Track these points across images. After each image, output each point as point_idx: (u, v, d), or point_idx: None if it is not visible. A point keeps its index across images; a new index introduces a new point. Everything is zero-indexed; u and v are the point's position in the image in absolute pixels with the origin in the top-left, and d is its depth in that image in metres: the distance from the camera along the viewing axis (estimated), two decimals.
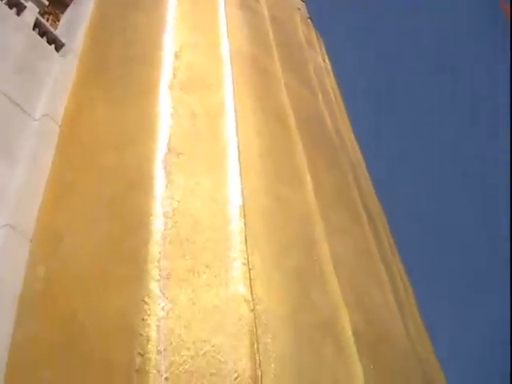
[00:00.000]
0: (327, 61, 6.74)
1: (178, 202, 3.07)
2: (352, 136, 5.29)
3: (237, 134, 3.46)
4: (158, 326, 2.66)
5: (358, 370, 2.89)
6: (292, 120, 4.20)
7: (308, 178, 3.76)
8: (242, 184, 3.25)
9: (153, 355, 2.58)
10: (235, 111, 3.59)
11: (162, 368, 2.56)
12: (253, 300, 2.78)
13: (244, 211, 3.09)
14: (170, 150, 3.29)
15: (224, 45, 4.33)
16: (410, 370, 3.35)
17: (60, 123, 3.75)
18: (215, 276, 2.84)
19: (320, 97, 5.25)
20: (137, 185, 3.20)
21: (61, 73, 4.10)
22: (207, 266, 2.86)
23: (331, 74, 6.51)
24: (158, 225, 2.96)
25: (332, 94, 5.88)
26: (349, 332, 3.00)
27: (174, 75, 3.81)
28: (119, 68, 4.06)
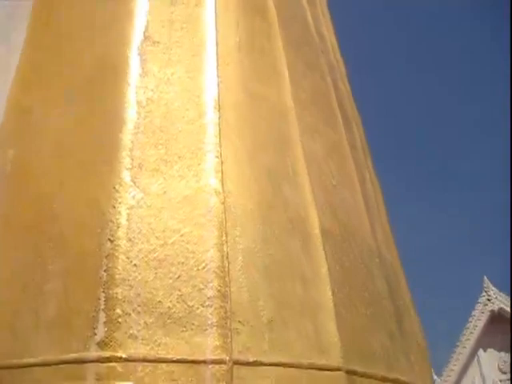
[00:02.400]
0: None
1: (153, 91, 3.02)
2: (334, 40, 5.17)
3: (216, 26, 3.37)
4: (128, 214, 2.68)
5: (324, 269, 2.97)
6: (275, 17, 4.08)
7: (286, 77, 3.70)
8: (218, 77, 3.19)
9: (122, 242, 2.61)
10: (215, 1, 3.48)
11: (132, 255, 2.60)
12: (223, 193, 2.80)
13: (219, 104, 3.06)
14: (146, 37, 3.20)
15: None
16: (374, 272, 3.43)
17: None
18: (187, 167, 2.84)
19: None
20: (110, 72, 3.13)
21: None
22: (179, 157, 2.86)
23: None
24: (131, 114, 2.92)
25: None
26: (317, 230, 3.06)
27: None
28: None
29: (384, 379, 3.01)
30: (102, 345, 2.46)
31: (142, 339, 2.47)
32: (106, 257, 2.59)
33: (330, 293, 2.88)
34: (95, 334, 2.47)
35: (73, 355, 2.47)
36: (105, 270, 2.56)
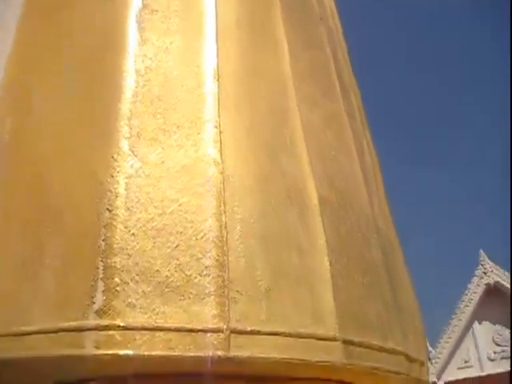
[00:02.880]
0: None
1: (151, 60, 3.00)
2: (333, 5, 5.12)
3: None
4: (126, 184, 2.68)
5: (321, 240, 2.98)
6: None
7: (285, 49, 3.68)
8: (217, 47, 3.17)
9: (121, 211, 2.62)
10: None
11: (130, 224, 2.60)
12: (222, 163, 2.80)
13: (218, 74, 3.04)
14: (144, 6, 3.17)
15: None
16: (370, 242, 3.44)
17: None
18: (186, 137, 2.84)
19: None
20: (109, 41, 3.10)
21: None
22: (178, 127, 2.85)
23: None
24: (129, 82, 2.90)
25: None
26: (315, 201, 3.07)
27: None
28: None
29: (380, 349, 3.04)
30: (101, 313, 2.47)
31: (140, 308, 2.49)
32: (104, 226, 2.59)
33: (327, 263, 2.90)
34: (93, 303, 2.49)
35: (71, 323, 2.49)
36: (103, 240, 2.57)
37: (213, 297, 2.55)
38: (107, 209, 2.62)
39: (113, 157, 2.73)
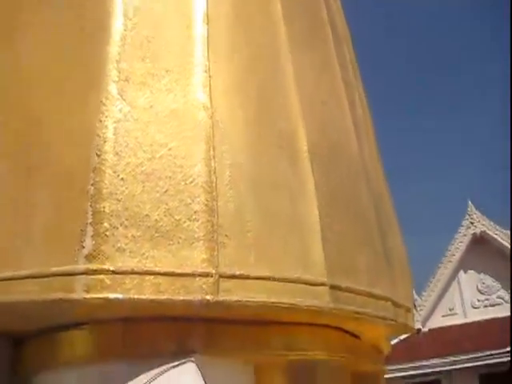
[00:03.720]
0: None
1: (140, 1, 2.94)
2: None
3: None
4: (115, 128, 2.65)
5: (311, 185, 2.98)
6: None
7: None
8: None
9: (109, 156, 2.60)
10: None
11: (119, 168, 2.59)
12: (211, 108, 2.77)
13: (207, 17, 2.98)
14: None
15: None
16: (360, 190, 3.44)
17: None
18: (175, 81, 2.80)
19: None
20: None
21: None
22: (167, 71, 2.81)
23: None
24: (117, 25, 2.84)
25: None
26: (304, 147, 3.05)
27: None
28: None
29: (367, 294, 3.07)
30: (90, 258, 2.48)
31: (130, 252, 2.50)
32: (92, 171, 2.58)
33: (316, 209, 2.90)
34: (83, 248, 2.49)
35: (61, 268, 2.50)
36: (92, 184, 2.56)
37: (202, 241, 2.56)
38: (96, 153, 2.60)
39: (101, 101, 2.70)
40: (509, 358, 15.95)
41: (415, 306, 17.75)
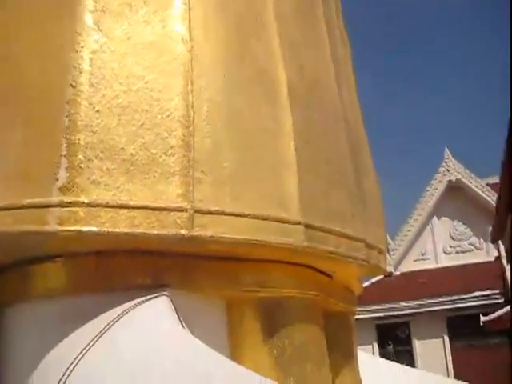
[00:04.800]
0: None
1: None
2: None
3: None
4: (91, 59, 2.59)
5: (288, 124, 2.96)
6: None
7: None
8: None
9: (85, 87, 2.55)
10: None
11: (94, 100, 2.54)
12: (191, 41, 2.71)
13: None
14: None
15: None
16: (338, 132, 3.44)
17: None
18: (153, 13, 2.72)
19: None
20: None
21: None
22: (145, 2, 2.73)
23: None
24: None
25: None
26: (283, 86, 3.01)
27: None
28: None
29: (340, 235, 3.10)
30: (64, 190, 2.46)
31: (105, 185, 2.48)
32: (67, 102, 2.53)
33: (293, 148, 2.89)
34: (57, 180, 2.47)
35: (34, 200, 2.48)
36: (66, 116, 2.51)
37: (177, 176, 2.55)
38: (71, 85, 2.55)
39: (77, 31, 2.63)
40: (475, 303, 16.37)
41: (388, 249, 18.03)
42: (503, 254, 15.94)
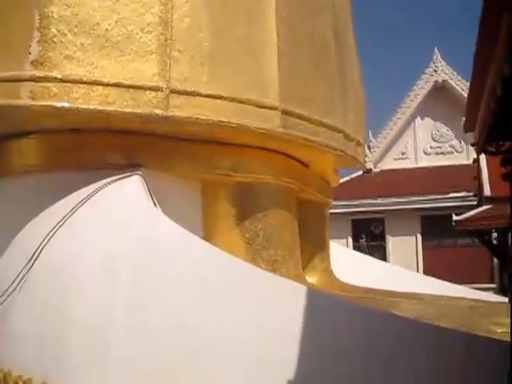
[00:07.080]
0: None
1: None
2: None
3: None
4: None
5: (271, 6, 2.84)
6: None
7: None
8: None
9: None
10: None
11: None
12: None
13: None
14: None
15: None
16: (323, 23, 3.32)
17: None
18: None
19: None
20: None
21: None
22: None
23: None
24: None
25: None
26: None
27: None
28: None
29: (319, 124, 3.07)
30: (37, 64, 2.40)
31: (79, 61, 2.42)
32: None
33: (274, 32, 2.80)
34: (30, 54, 2.41)
35: (6, 74, 2.43)
36: None
37: (154, 55, 2.48)
38: None
39: None
40: (449, 204, 16.67)
41: (369, 146, 18.05)
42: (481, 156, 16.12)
